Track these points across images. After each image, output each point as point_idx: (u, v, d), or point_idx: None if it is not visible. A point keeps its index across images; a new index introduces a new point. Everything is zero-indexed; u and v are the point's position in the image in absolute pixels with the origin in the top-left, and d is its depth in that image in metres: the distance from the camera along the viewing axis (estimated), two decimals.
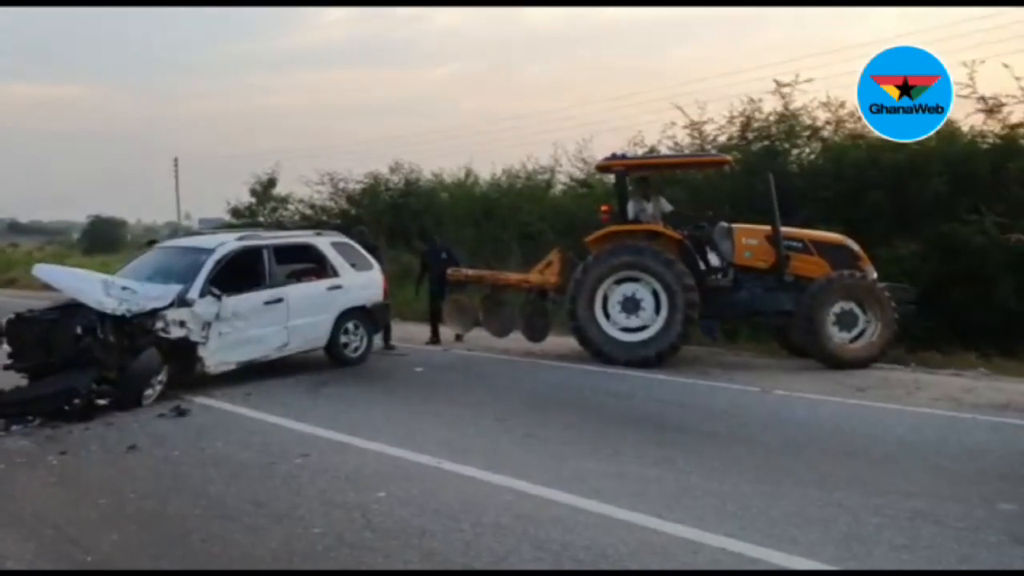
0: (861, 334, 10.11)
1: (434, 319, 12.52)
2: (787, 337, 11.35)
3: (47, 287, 15.90)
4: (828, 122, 15.73)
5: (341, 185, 25.42)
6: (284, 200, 27.50)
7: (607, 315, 10.42)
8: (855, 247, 10.59)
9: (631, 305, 10.33)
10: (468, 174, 23.51)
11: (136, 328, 8.53)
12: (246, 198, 27.78)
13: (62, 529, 5.04)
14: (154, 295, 8.85)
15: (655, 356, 10.11)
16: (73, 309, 8.65)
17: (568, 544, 4.56)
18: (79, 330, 8.33)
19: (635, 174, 11.18)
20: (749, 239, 10.60)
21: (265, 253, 9.93)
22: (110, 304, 8.49)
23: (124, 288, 8.84)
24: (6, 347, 8.68)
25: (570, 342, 11.60)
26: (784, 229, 10.46)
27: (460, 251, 13.84)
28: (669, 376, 9.57)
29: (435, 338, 12.52)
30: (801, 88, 15.53)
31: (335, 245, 10.82)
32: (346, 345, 10.65)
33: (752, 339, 12.20)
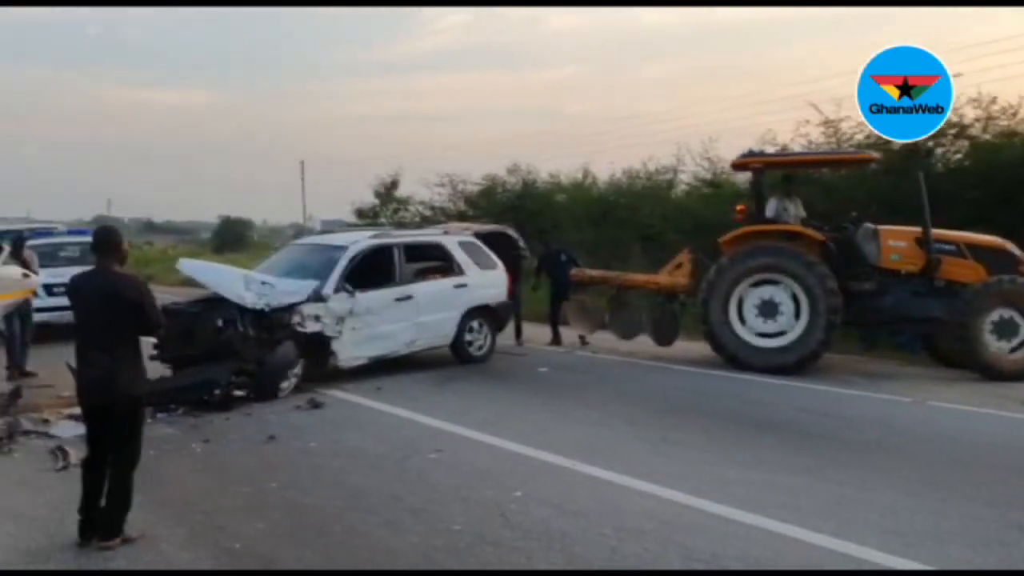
0: (1022, 344, 9.34)
1: (555, 321, 12.37)
2: (935, 346, 10.63)
3: (183, 283, 16.79)
4: (977, 119, 14.74)
5: (460, 187, 25.86)
6: (405, 201, 28.15)
7: (742, 319, 9.99)
8: (1016, 251, 9.80)
9: (768, 309, 9.88)
10: (585, 175, 23.33)
11: (274, 322, 8.76)
12: (369, 199, 28.58)
13: (210, 515, 5.14)
14: (291, 290, 9.06)
15: (794, 363, 9.63)
16: (215, 303, 8.96)
17: (718, 554, 4.33)
18: (220, 323, 8.62)
19: (774, 172, 10.70)
20: (896, 241, 9.98)
21: (395, 251, 10.04)
22: (250, 298, 8.74)
23: (263, 283, 9.09)
24: (152, 338, 9.06)
25: (699, 347, 11.23)
26: (935, 231, 9.80)
27: (579, 253, 13.62)
28: (809, 384, 9.09)
29: (556, 339, 12.35)
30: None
31: (462, 244, 10.84)
32: (470, 343, 10.65)
33: (895, 347, 11.48)
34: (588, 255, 17.09)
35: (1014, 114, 14.32)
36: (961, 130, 14.95)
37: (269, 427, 7.35)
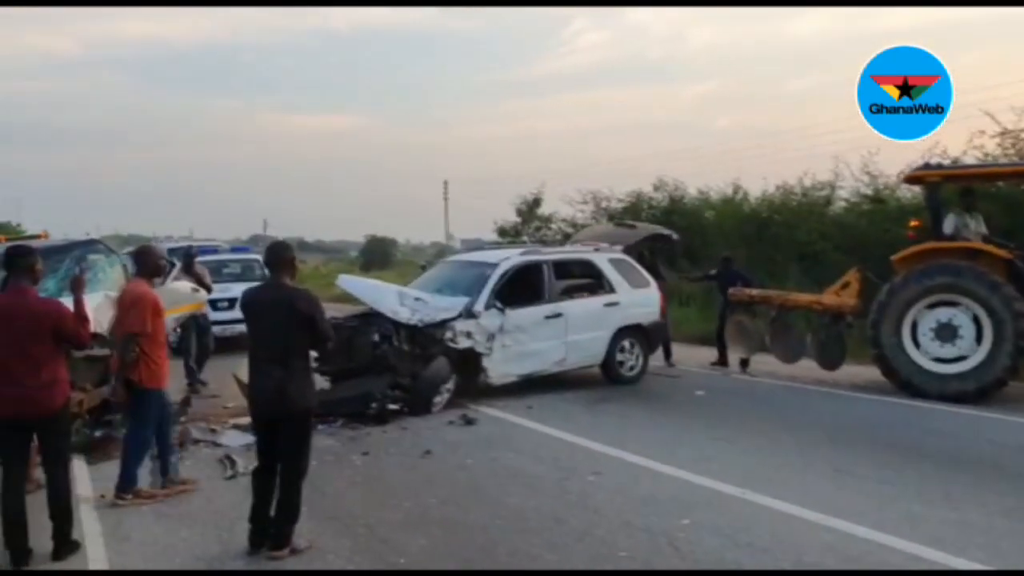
0: None
1: (723, 341, 11.80)
2: None
3: (335, 298, 17.36)
4: None
5: (604, 204, 25.63)
6: (548, 220, 28.17)
7: (916, 343, 9.26)
8: None
9: (947, 333, 9.12)
10: (736, 190, 22.55)
11: (427, 337, 8.84)
12: (511, 217, 28.77)
13: (373, 528, 5.16)
14: (443, 306, 9.14)
15: (975, 391, 8.83)
16: (371, 318, 9.14)
17: None
18: (376, 337, 8.78)
19: (951, 186, 9.95)
20: None
21: (545, 268, 9.95)
22: (404, 314, 8.87)
23: (416, 299, 9.21)
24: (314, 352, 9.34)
25: (866, 371, 10.54)
26: None
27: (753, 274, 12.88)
28: (997, 415, 8.30)
29: (722, 360, 11.80)
30: None
31: (612, 262, 10.63)
32: (622, 363, 10.40)
33: None
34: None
35: None
36: None
37: (425, 442, 7.38)
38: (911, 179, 10.49)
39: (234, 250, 18.64)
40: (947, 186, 10.11)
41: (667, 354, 11.84)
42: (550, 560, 4.57)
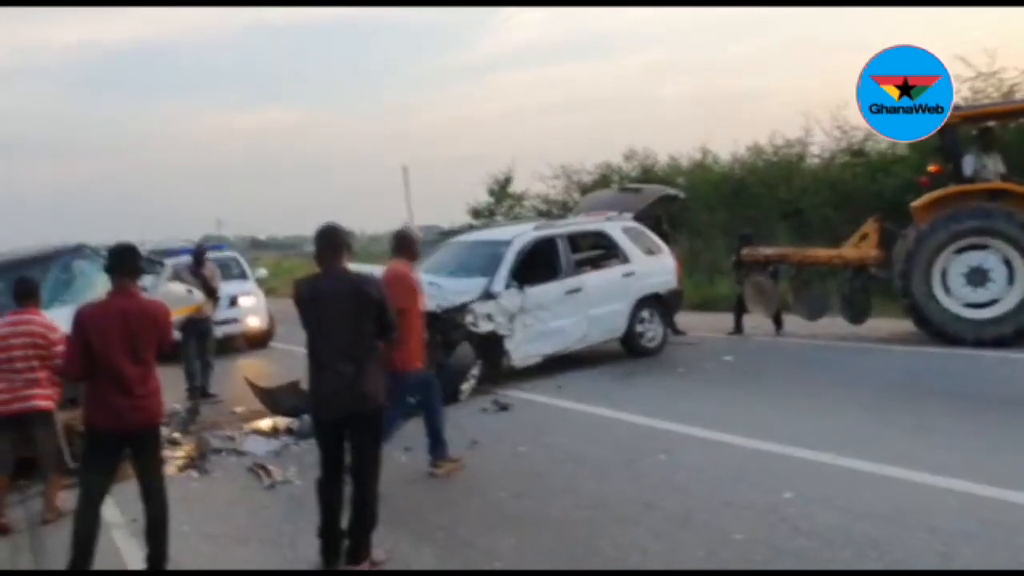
0: None
1: (740, 309, 11.42)
2: None
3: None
4: None
5: (575, 178, 25.30)
6: (520, 198, 27.73)
7: (947, 290, 9.05)
8: None
9: (978, 277, 8.90)
10: (705, 154, 22.37)
11: (447, 323, 8.37)
12: (482, 198, 28.27)
13: (451, 530, 4.72)
14: (460, 289, 8.66)
15: (1012, 333, 8.63)
16: None
17: None
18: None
19: (972, 126, 9.70)
20: None
21: (559, 242, 9.51)
22: None
23: (430, 284, 8.71)
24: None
25: (889, 324, 10.34)
26: None
27: (716, 234, 12.48)
28: None
29: (738, 328, 11.41)
30: None
31: (625, 230, 10.22)
32: (642, 335, 10.01)
33: None
34: (726, 236, 16.31)
35: None
36: None
37: (467, 432, 6.92)
38: None
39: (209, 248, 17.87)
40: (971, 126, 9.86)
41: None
42: (660, 550, 4.17)
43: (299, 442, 7.26)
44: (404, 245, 6.14)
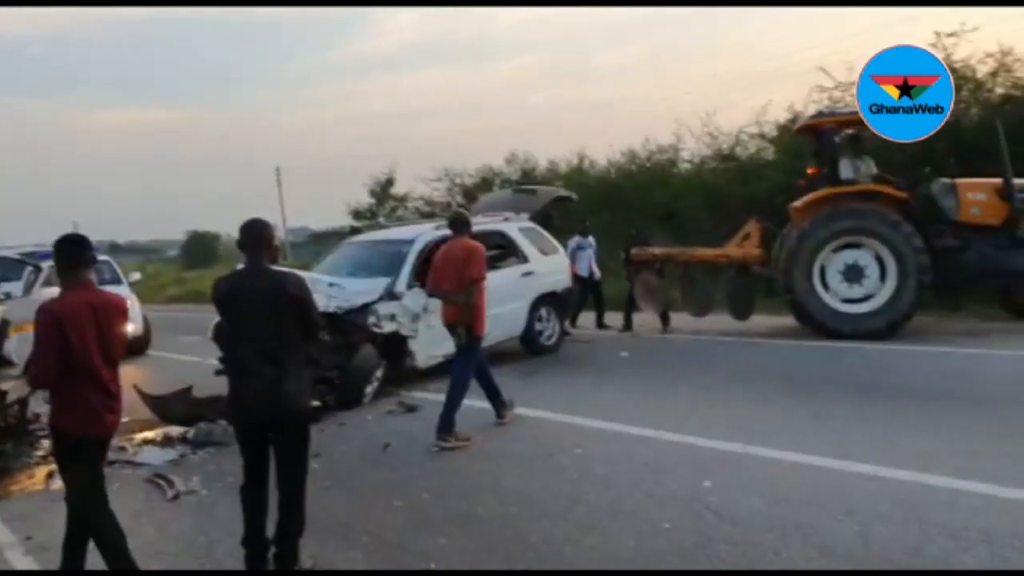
0: None
1: (629, 307, 11.73)
2: (1011, 300, 10.37)
3: (171, 299, 16.10)
4: (994, 73, 14.52)
5: (458, 180, 25.46)
6: (403, 199, 27.56)
7: (826, 286, 9.58)
8: None
9: (853, 273, 9.47)
10: (582, 159, 22.99)
11: (348, 325, 8.20)
12: (363, 199, 28.03)
13: (378, 535, 4.61)
14: (361, 290, 8.51)
15: (885, 327, 9.24)
16: None
17: (989, 531, 3.87)
18: None
19: (847, 131, 10.30)
20: (976, 194, 9.63)
21: None
22: (321, 302, 8.14)
23: (331, 284, 8.52)
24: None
25: (771, 319, 10.86)
26: (1017, 181, 9.47)
27: (601, 237, 12.83)
28: (916, 346, 8.71)
29: (627, 325, 11.73)
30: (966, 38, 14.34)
31: (523, 230, 10.31)
32: (541, 333, 10.14)
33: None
34: (608, 238, 16.73)
35: None
36: (978, 86, 14.74)
37: (377, 436, 6.83)
38: (804, 129, 10.79)
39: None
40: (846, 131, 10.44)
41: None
42: (593, 543, 4.21)
43: (196, 451, 6.96)
44: (464, 223, 6.97)
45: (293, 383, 4.07)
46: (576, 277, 11.69)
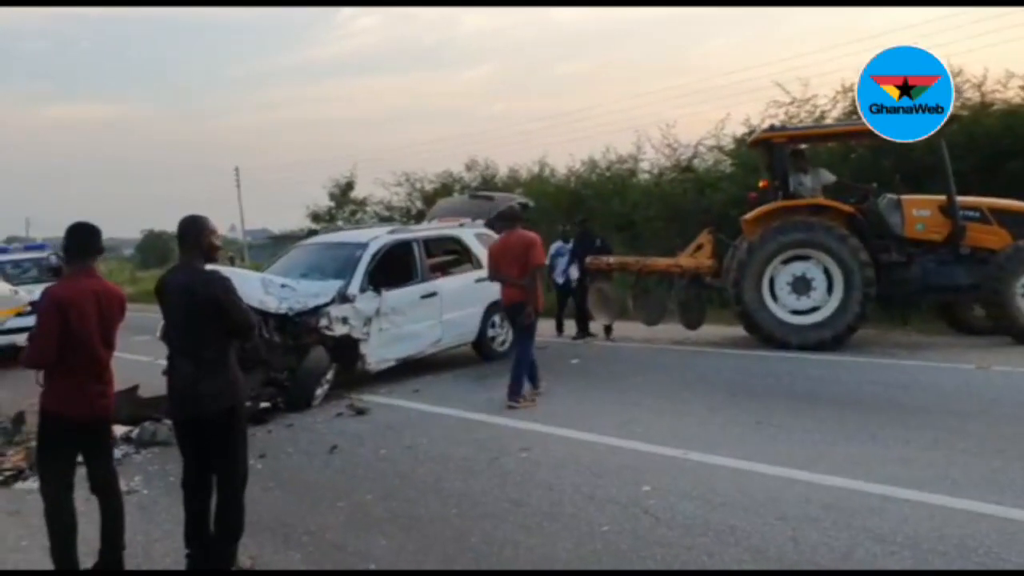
0: None
1: (583, 312, 11.84)
2: (954, 314, 10.64)
3: (136, 298, 15.87)
4: (957, 88, 14.88)
5: (418, 185, 25.49)
6: (362, 203, 27.48)
7: (774, 297, 9.76)
8: None
9: (801, 285, 9.65)
10: (542, 167, 23.13)
11: (299, 326, 8.16)
12: (322, 202, 27.93)
13: (318, 536, 4.62)
14: (314, 292, 8.47)
15: (831, 339, 9.41)
16: None
17: (915, 537, 3.98)
18: None
19: (798, 146, 10.49)
20: (920, 210, 9.87)
21: (415, 246, 9.51)
22: (272, 303, 8.13)
23: (283, 286, 8.48)
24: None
25: (722, 329, 11.02)
26: (960, 198, 9.74)
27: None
28: (860, 358, 8.89)
29: (583, 331, 11.83)
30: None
31: (478, 236, 10.35)
32: (493, 339, 10.19)
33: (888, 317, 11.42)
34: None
35: (979, 86, 14.48)
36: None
37: (325, 437, 6.81)
38: (757, 142, 10.97)
39: (27, 247, 16.57)
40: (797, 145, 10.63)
41: None
42: (533, 544, 4.26)
43: (140, 451, 6.89)
44: (517, 216, 8.11)
45: (211, 382, 4.01)
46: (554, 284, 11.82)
